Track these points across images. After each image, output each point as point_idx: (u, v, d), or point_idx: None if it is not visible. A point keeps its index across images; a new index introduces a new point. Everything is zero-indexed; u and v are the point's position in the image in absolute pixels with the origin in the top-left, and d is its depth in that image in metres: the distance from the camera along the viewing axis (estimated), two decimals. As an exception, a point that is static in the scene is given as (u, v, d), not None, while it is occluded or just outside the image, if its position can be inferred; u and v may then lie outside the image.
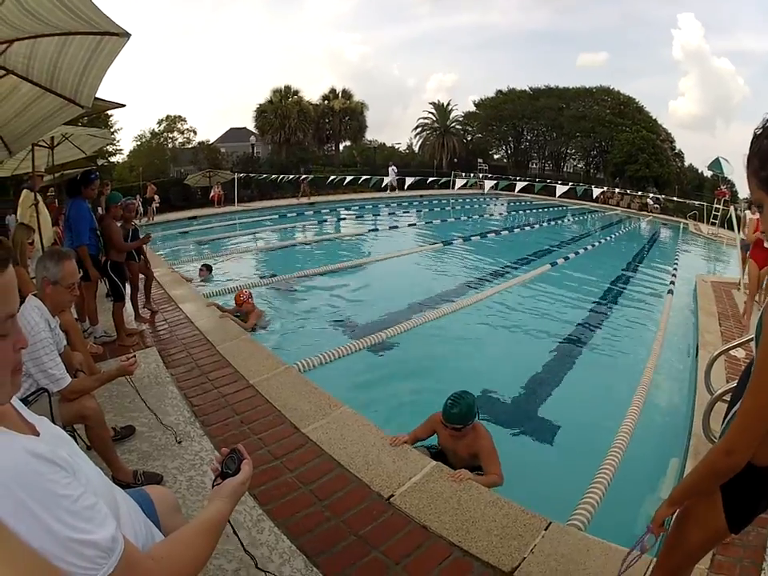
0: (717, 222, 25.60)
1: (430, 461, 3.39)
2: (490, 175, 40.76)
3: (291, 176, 25.68)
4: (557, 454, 4.62)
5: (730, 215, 12.71)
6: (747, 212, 10.56)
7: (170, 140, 41.63)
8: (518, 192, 23.61)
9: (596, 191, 23.12)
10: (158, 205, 20.27)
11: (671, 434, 4.75)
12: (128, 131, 65.63)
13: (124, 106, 6.17)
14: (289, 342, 6.61)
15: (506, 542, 2.76)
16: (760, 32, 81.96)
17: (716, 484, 1.55)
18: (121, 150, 36.45)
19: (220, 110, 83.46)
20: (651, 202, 34.61)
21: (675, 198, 31.21)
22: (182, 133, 42.10)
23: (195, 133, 42.71)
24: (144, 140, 40.05)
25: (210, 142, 42.67)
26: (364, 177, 25.02)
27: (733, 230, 12.17)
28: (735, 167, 26.94)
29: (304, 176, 25.59)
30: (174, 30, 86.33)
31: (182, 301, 7.22)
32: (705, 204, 29.74)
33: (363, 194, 29.82)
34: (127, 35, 3.48)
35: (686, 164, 50.52)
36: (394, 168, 30.90)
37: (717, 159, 26.19)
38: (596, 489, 3.72)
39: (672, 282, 11.43)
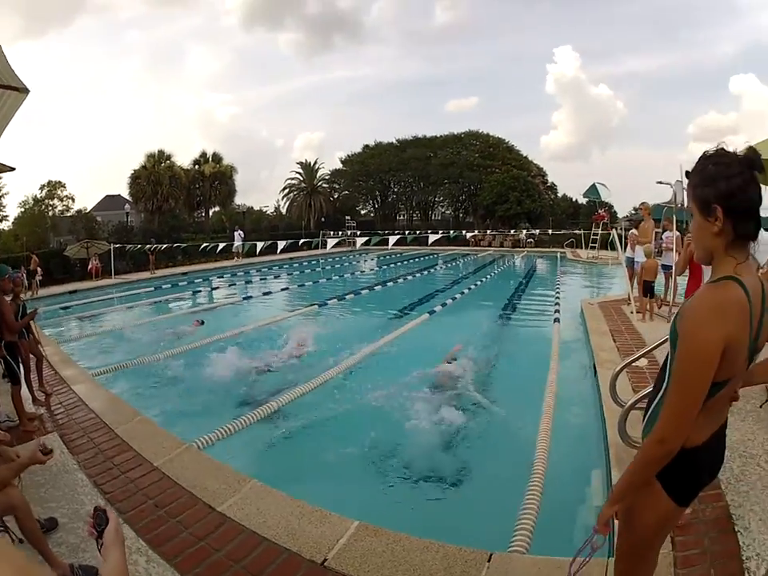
0: (596, 245, 26.96)
1: (353, 521, 3.52)
2: (358, 232, 41.72)
3: (164, 245, 25.79)
4: (480, 488, 4.73)
5: (613, 237, 13.34)
6: (634, 230, 10.93)
7: (50, 207, 41.65)
8: (391, 246, 23.76)
9: (468, 234, 23.64)
10: (40, 277, 19.70)
11: (587, 448, 4.99)
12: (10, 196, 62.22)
13: (14, 169, 6.21)
14: (182, 420, 6.35)
15: (453, 581, 2.86)
16: (640, 52, 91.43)
17: (653, 472, 1.76)
18: (6, 216, 36.50)
19: (96, 175, 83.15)
20: (524, 238, 36.18)
21: (550, 231, 32.74)
22: (62, 200, 42.45)
23: (74, 200, 43.11)
24: (27, 206, 39.80)
25: (87, 210, 43.09)
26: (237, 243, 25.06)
27: (615, 250, 12.66)
28: (612, 190, 28.93)
29: (148, 246, 25.24)
30: (55, 90, 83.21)
31: (73, 382, 7.15)
32: (582, 231, 31.38)
33: (235, 260, 30.37)
34: (26, 91, 3.60)
35: (560, 194, 54.31)
36: (240, 233, 31.17)
37: (593, 185, 28.12)
38: (528, 511, 3.84)
39: (557, 311, 11.70)
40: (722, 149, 1.72)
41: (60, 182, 42.30)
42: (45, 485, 4.23)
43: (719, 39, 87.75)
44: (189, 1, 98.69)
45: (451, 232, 24.61)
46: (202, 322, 11.78)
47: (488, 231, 38.99)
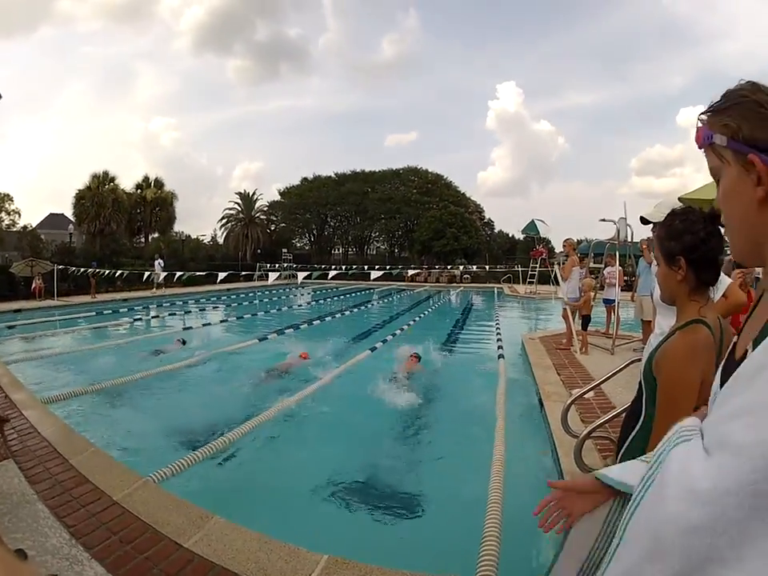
0: (534, 280, 27.70)
1: (323, 555, 3.52)
2: (295, 265, 42.09)
3: (107, 270, 25.40)
4: (444, 518, 4.74)
5: (555, 273, 13.76)
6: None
7: None
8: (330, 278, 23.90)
9: (411, 272, 23.99)
10: None
11: (541, 479, 4.97)
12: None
13: None
14: (134, 453, 6.22)
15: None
16: (585, 87, 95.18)
17: None
18: None
19: (39, 191, 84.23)
20: (460, 273, 36.85)
21: (487, 267, 33.46)
22: (9, 214, 42.52)
23: (20, 215, 43.35)
24: None
25: (32, 227, 41.97)
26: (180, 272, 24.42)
27: (553, 284, 13.02)
28: (551, 225, 29.87)
29: (91, 269, 24.72)
30: (8, 103, 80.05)
31: (24, 407, 6.88)
32: (520, 267, 32.18)
33: (173, 288, 30.68)
34: None
35: (497, 230, 55.67)
36: (160, 262, 30.22)
37: (532, 221, 29.06)
38: (490, 542, 3.83)
39: (500, 347, 11.76)
40: (690, 207, 2.03)
41: (8, 195, 42.30)
42: (7, 514, 4.14)
43: (667, 72, 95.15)
44: (142, 20, 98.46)
45: (393, 270, 24.87)
46: (184, 342, 12.19)
47: (424, 267, 39.50)
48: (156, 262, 30.41)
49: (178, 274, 22.15)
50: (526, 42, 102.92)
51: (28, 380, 9.07)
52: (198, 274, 24.01)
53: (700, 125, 1.11)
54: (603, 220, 11.37)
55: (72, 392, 8.24)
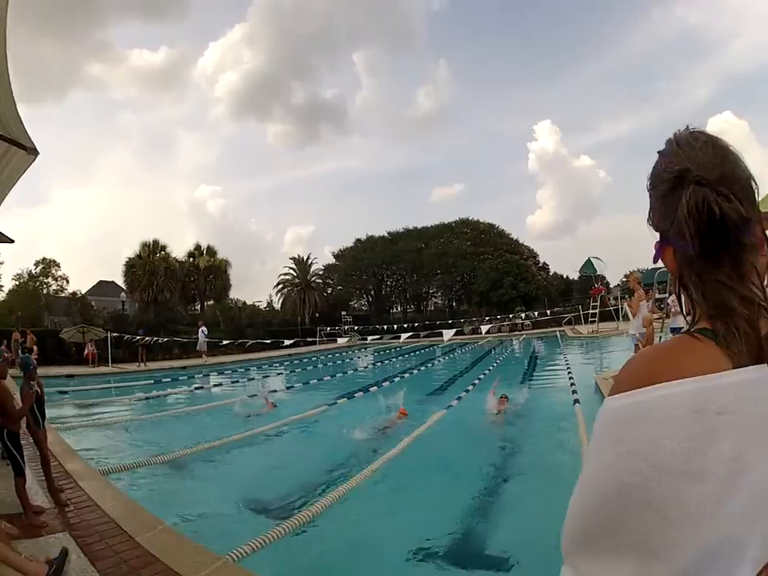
0: (596, 319, 27.06)
1: None
2: (356, 327, 42.14)
3: (164, 339, 26.40)
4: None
5: (625, 309, 13.45)
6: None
7: (44, 285, 41.39)
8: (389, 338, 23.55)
9: (484, 327, 23.74)
10: (37, 357, 18.55)
11: None
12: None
13: (13, 241, 6.23)
14: (206, 529, 5.80)
15: None
16: (617, 118, 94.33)
17: None
18: (2, 286, 36.42)
19: (87, 258, 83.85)
20: (522, 320, 36.36)
21: (548, 312, 32.98)
22: (56, 279, 42.13)
23: (68, 281, 42.77)
24: (22, 280, 39.51)
25: (82, 294, 42.82)
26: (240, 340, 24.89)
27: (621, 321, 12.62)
28: (607, 262, 29.41)
29: (139, 337, 24.96)
30: (51, 168, 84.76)
31: (80, 477, 6.57)
32: (580, 308, 31.65)
33: (233, 356, 31.01)
34: (36, 152, 3.43)
35: (551, 273, 54.83)
36: (204, 329, 29.52)
37: (588, 260, 28.69)
38: None
39: (574, 392, 11.32)
40: None
41: (54, 261, 42.41)
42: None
43: (690, 86, 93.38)
44: (179, 88, 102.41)
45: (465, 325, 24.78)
46: (275, 405, 12.61)
47: (486, 318, 39.14)
48: (200, 330, 29.27)
49: (239, 341, 22.14)
50: (555, 79, 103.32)
51: (86, 447, 9.08)
52: (265, 341, 24.12)
53: None
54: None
55: (134, 463, 8.02)
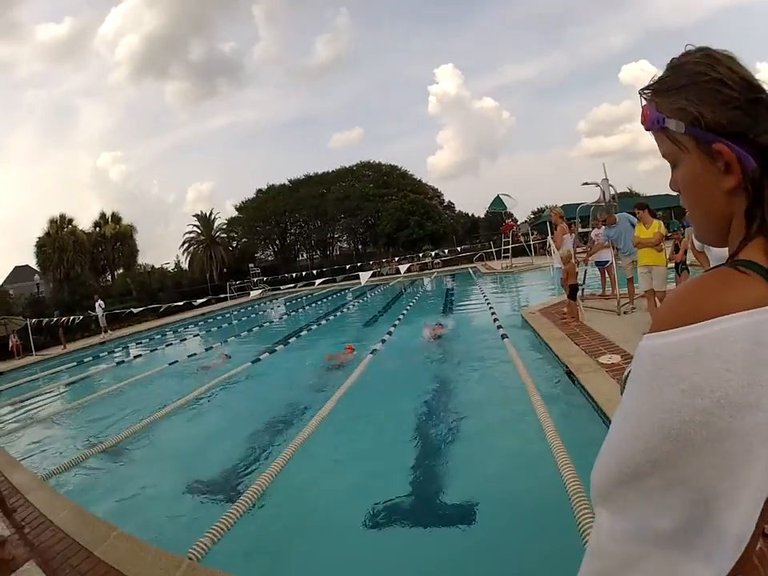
0: (509, 254, 27.69)
1: None
2: (264, 278, 41.62)
3: (81, 316, 25.02)
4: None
5: (549, 244, 13.71)
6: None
7: None
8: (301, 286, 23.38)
9: (402, 267, 23.65)
10: None
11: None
12: None
13: None
14: (159, 523, 5.32)
15: None
16: (525, 59, 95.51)
17: None
18: None
19: (3, 247, 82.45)
20: (430, 260, 36.86)
21: (459, 249, 33.48)
22: None
23: None
24: None
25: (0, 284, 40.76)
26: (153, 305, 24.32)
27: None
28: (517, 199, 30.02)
29: (56, 319, 24.07)
30: None
31: (27, 490, 5.98)
32: (491, 244, 32.37)
33: (149, 323, 30.59)
34: None
35: (456, 211, 55.78)
36: (101, 303, 27.33)
37: (497, 197, 29.14)
38: None
39: (499, 327, 11.36)
40: None
41: None
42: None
43: (605, 31, 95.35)
44: (83, 57, 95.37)
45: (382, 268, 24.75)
46: (229, 356, 13.21)
47: (395, 258, 39.35)
48: (96, 304, 27.32)
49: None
50: (459, 22, 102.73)
51: (26, 453, 8.31)
52: (178, 303, 23.79)
53: (645, 103, 0.96)
54: (586, 183, 11.26)
55: (72, 460, 7.17)
